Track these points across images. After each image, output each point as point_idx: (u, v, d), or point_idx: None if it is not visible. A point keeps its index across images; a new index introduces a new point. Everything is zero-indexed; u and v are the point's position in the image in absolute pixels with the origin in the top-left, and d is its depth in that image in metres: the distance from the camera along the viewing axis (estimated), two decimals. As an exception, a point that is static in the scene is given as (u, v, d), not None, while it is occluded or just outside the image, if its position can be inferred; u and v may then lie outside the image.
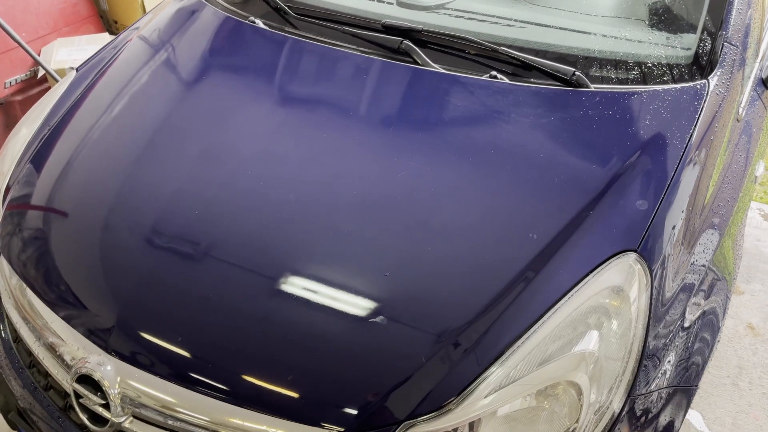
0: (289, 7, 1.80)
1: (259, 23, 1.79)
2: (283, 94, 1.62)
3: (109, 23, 3.71)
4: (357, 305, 1.20)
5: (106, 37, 3.35)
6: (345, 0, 1.83)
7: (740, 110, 1.58)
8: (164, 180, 1.47)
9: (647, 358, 1.19)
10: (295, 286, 1.23)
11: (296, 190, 1.37)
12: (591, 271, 1.18)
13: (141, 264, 1.32)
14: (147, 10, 3.48)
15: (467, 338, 1.13)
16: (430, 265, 1.22)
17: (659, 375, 1.22)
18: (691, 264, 1.32)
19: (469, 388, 1.10)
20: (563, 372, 1.13)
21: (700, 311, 1.34)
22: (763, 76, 1.76)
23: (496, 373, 1.11)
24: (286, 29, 1.77)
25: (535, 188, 1.31)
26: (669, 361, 1.24)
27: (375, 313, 1.18)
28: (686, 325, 1.29)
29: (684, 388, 1.29)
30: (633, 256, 1.21)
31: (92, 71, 1.91)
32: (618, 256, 1.20)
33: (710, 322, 1.38)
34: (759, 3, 1.74)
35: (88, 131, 1.67)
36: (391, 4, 1.81)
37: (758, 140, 1.71)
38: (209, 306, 1.24)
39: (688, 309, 1.30)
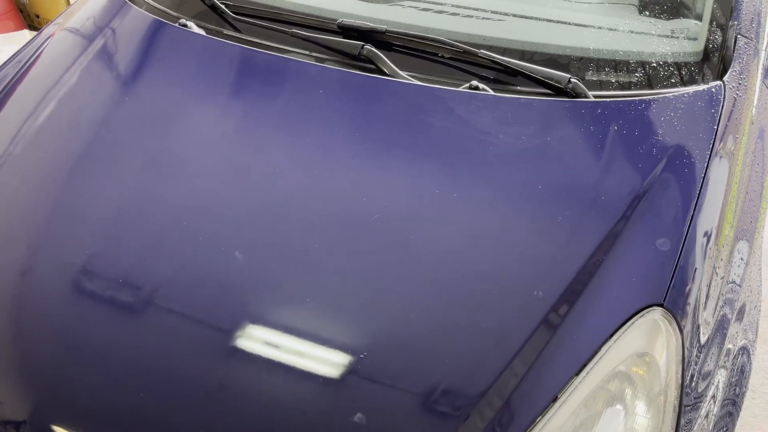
0: (226, 5, 1.51)
1: (193, 27, 1.50)
2: (219, 118, 1.34)
3: (30, 18, 3.33)
4: (344, 382, 0.96)
5: (25, 35, 2.99)
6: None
7: (753, 111, 1.38)
8: (93, 209, 1.21)
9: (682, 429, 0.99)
10: (278, 350, 1.00)
11: (247, 237, 1.12)
12: (611, 336, 0.97)
13: (68, 324, 1.07)
14: (70, 2, 3.12)
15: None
16: (418, 340, 0.99)
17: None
18: (721, 306, 1.12)
19: None
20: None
21: (732, 357, 1.15)
22: (771, 66, 1.56)
23: None
24: (224, 32, 1.49)
25: (537, 230, 1.08)
26: (712, 409, 1.05)
27: (359, 396, 0.96)
28: (719, 381, 1.10)
29: None
30: (659, 311, 0.99)
31: (8, 75, 1.59)
32: (641, 313, 0.99)
33: (746, 354, 1.19)
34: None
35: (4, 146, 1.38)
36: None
37: (772, 142, 1.52)
38: (156, 378, 0.99)
39: (720, 359, 1.10)
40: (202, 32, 1.48)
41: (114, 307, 1.09)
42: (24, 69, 1.60)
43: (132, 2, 1.62)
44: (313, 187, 1.17)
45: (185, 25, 1.50)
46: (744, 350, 1.20)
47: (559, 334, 0.97)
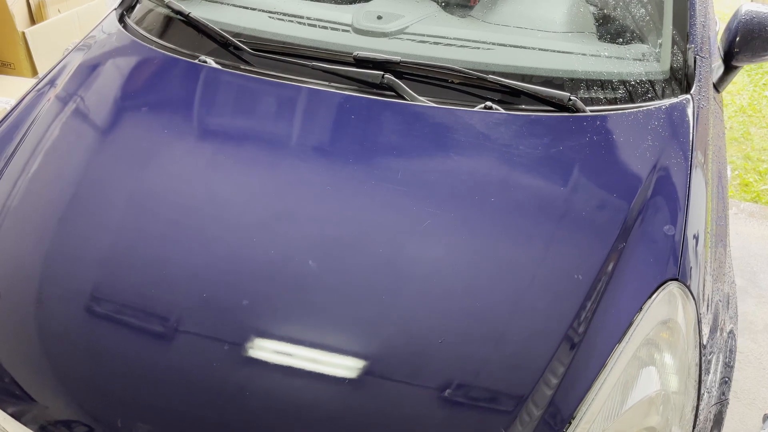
0: (242, 42, 1.62)
1: (212, 62, 1.61)
2: (264, 143, 1.46)
3: (-19, 60, 3.27)
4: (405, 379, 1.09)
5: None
6: (295, 30, 1.68)
7: (711, 118, 1.63)
8: (106, 243, 1.29)
9: (703, 384, 1.18)
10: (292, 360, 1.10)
11: (294, 257, 1.23)
12: (641, 308, 1.16)
13: (85, 345, 1.16)
14: (29, 43, 3.10)
15: (535, 404, 1.06)
16: (475, 326, 1.14)
17: (711, 396, 1.22)
18: (715, 281, 1.34)
19: None
20: (639, 419, 1.09)
21: (728, 326, 1.36)
22: (714, 81, 1.83)
23: None
24: (243, 68, 1.60)
25: (565, 226, 1.26)
26: (715, 381, 1.25)
27: (422, 390, 1.08)
28: (722, 343, 1.30)
29: (723, 402, 1.31)
30: (675, 284, 1.19)
31: (13, 132, 1.62)
32: (662, 287, 1.18)
33: (732, 334, 1.40)
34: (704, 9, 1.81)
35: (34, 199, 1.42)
36: (347, 32, 1.69)
37: (724, 144, 1.78)
38: (176, 388, 1.10)
39: (719, 326, 1.31)
40: (222, 68, 1.59)
41: (130, 329, 1.18)
42: (42, 101, 1.64)
43: (143, 41, 1.70)
44: (369, 203, 1.30)
45: (205, 62, 1.60)
46: (731, 334, 1.42)
47: (600, 311, 1.14)
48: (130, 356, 1.13)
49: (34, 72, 3.22)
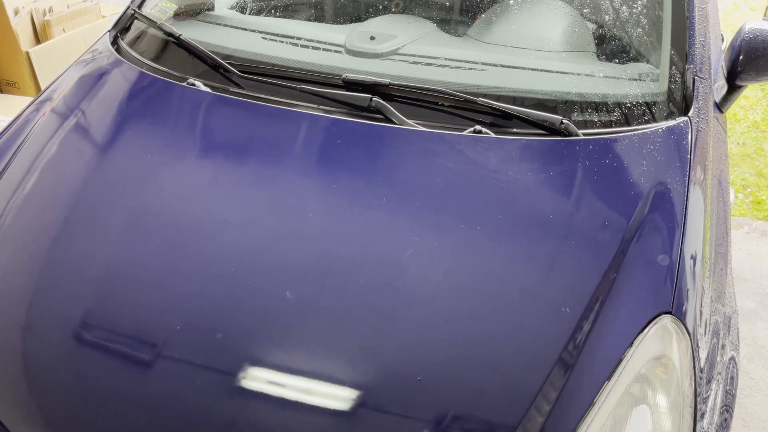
0: (231, 64, 1.61)
1: (200, 85, 1.59)
2: (250, 169, 1.43)
3: (-13, 79, 3.30)
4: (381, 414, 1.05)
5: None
6: (286, 51, 1.66)
7: (711, 141, 1.58)
8: (96, 268, 1.27)
9: (698, 422, 1.13)
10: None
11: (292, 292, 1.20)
12: (631, 344, 1.10)
13: (72, 372, 1.13)
14: (33, 63, 3.12)
15: None
16: (465, 359, 1.09)
17: (712, 425, 1.17)
18: (713, 310, 1.28)
19: None
20: (629, 462, 1.03)
21: (727, 356, 1.30)
22: (717, 100, 1.78)
23: None
24: (231, 90, 1.58)
25: (554, 255, 1.22)
26: (713, 418, 1.19)
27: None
28: (720, 376, 1.25)
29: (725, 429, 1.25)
30: (668, 318, 1.14)
31: (4, 151, 1.61)
32: (654, 321, 1.13)
33: (733, 363, 1.34)
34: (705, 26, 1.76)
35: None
36: (339, 53, 1.67)
37: (727, 166, 1.72)
38: (167, 419, 1.07)
39: (719, 358, 1.25)
40: (209, 90, 1.57)
41: (120, 357, 1.14)
42: (33, 122, 1.63)
43: (134, 63, 1.69)
44: (355, 230, 1.26)
45: (193, 85, 1.58)
46: (732, 360, 1.36)
47: (589, 345, 1.09)
48: (118, 385, 1.10)
49: (38, 91, 3.24)
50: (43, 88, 3.23)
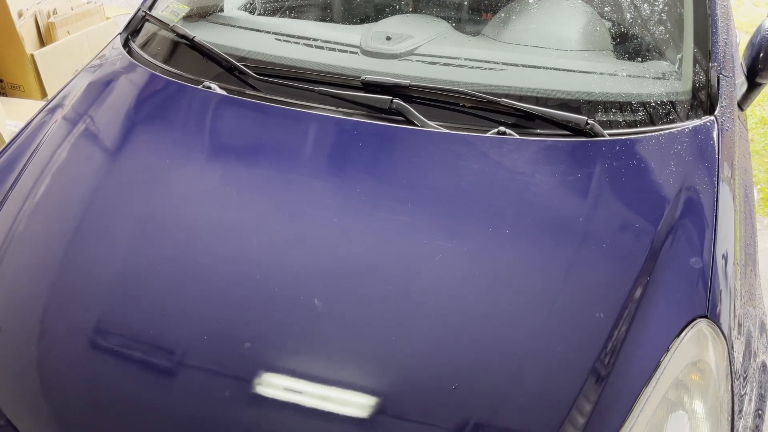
0: (246, 66, 1.58)
1: (216, 88, 1.56)
2: (268, 173, 1.40)
3: (-9, 82, 3.27)
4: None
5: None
6: (302, 53, 1.63)
7: (737, 139, 1.56)
8: (110, 276, 1.24)
9: (735, 429, 1.11)
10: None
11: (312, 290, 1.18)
12: (668, 349, 1.08)
13: (87, 382, 1.11)
14: (38, 65, 3.09)
15: None
16: (497, 367, 1.07)
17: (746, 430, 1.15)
18: (746, 310, 1.26)
19: None
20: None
21: (759, 359, 1.28)
22: (738, 99, 1.75)
23: None
24: (247, 93, 1.55)
25: (586, 259, 1.19)
26: (747, 422, 1.17)
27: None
28: (754, 379, 1.22)
29: None
30: (705, 322, 1.12)
31: (18, 157, 1.58)
32: (690, 326, 1.11)
33: (765, 366, 1.32)
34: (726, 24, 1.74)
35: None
36: (355, 53, 1.64)
37: (750, 165, 1.70)
38: (182, 427, 1.04)
39: (751, 361, 1.23)
40: (225, 93, 1.54)
41: (134, 363, 1.13)
42: (46, 127, 1.60)
43: (147, 66, 1.66)
44: (378, 234, 1.24)
45: (209, 88, 1.56)
46: (764, 364, 1.33)
47: (624, 350, 1.07)
48: (133, 394, 1.08)
49: (44, 94, 3.21)
50: (48, 90, 3.22)
